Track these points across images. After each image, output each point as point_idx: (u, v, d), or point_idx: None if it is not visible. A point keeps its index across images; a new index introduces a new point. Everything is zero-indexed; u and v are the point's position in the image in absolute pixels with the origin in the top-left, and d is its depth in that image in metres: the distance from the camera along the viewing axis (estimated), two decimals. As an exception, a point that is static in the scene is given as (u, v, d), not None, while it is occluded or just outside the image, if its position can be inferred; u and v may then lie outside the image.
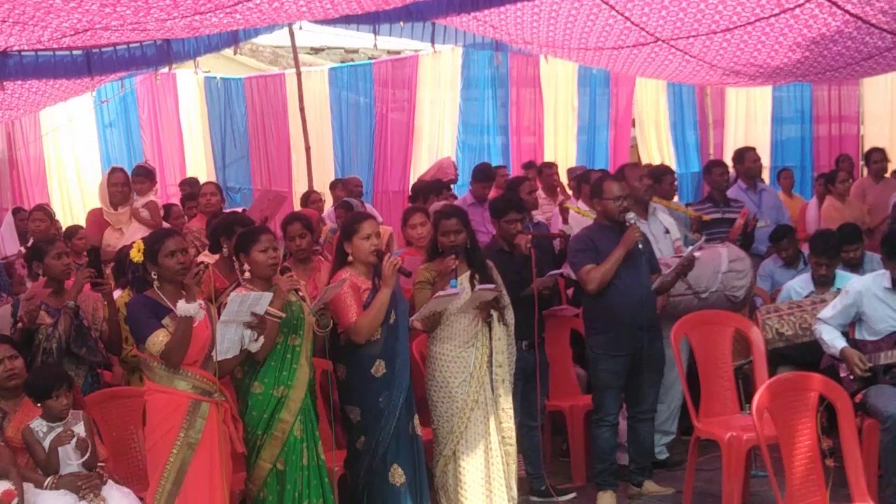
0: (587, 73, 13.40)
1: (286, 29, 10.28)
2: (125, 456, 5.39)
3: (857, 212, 9.33)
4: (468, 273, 5.57)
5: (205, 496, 4.61)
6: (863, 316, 5.69)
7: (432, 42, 9.02)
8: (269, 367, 4.93)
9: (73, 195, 12.84)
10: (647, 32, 7.45)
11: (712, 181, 8.15)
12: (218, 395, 4.70)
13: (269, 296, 4.74)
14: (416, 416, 5.42)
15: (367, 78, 13.56)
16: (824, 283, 6.66)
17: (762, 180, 9.40)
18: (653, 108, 14.10)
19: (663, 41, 7.69)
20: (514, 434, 5.65)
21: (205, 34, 7.92)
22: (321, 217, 9.33)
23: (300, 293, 5.12)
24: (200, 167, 13.95)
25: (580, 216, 7.57)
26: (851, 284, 5.85)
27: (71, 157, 12.90)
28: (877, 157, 10.21)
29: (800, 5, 6.51)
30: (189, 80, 13.73)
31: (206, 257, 6.29)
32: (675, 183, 8.35)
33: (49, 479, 4.57)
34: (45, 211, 8.68)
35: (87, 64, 8.15)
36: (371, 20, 8.04)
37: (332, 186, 11.17)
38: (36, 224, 8.32)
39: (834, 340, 5.70)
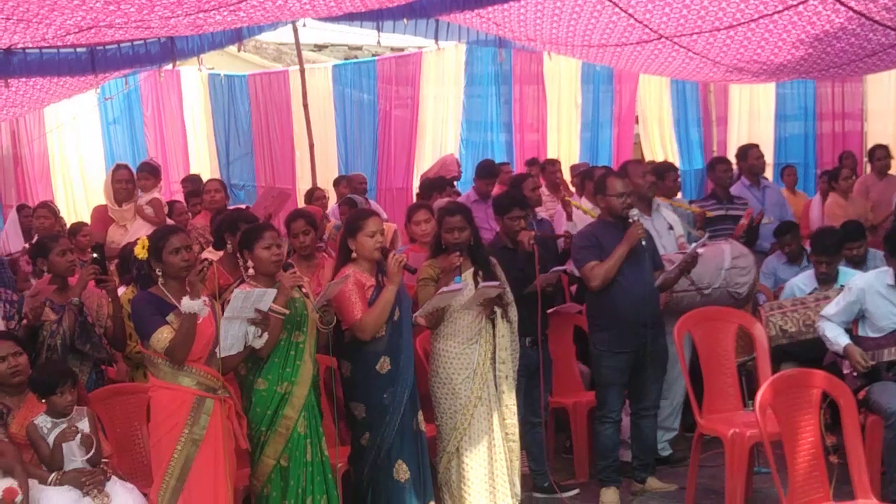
0: (590, 69, 13.39)
1: (290, 26, 10.30)
2: (129, 452, 5.40)
3: (861, 209, 9.32)
4: (471, 270, 5.58)
5: (209, 492, 4.62)
6: (866, 313, 5.69)
7: (436, 39, 9.04)
8: (273, 364, 4.94)
9: (77, 192, 12.84)
10: (651, 29, 7.45)
11: (716, 178, 8.14)
12: (222, 392, 4.71)
13: (272, 292, 4.75)
14: (420, 413, 5.43)
15: (370, 75, 13.56)
16: (827, 280, 6.66)
17: (765, 177, 9.40)
18: (656, 104, 14.09)
19: (667, 38, 7.69)
20: (517, 430, 5.66)
21: (209, 32, 7.93)
22: (325, 214, 9.34)
23: (303, 290, 5.13)
24: (204, 164, 13.94)
25: (583, 214, 7.58)
26: (854, 281, 5.85)
27: (75, 154, 12.90)
28: (880, 154, 10.20)
29: (803, 2, 6.51)
30: (193, 76, 13.73)
31: (210, 254, 6.31)
32: (679, 180, 8.35)
33: (53, 475, 4.58)
34: (49, 208, 8.69)
35: (92, 61, 8.17)
36: (375, 17, 8.05)
37: (336, 183, 11.18)
38: (40, 221, 8.34)
39: (837, 338, 5.70)
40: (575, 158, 13.14)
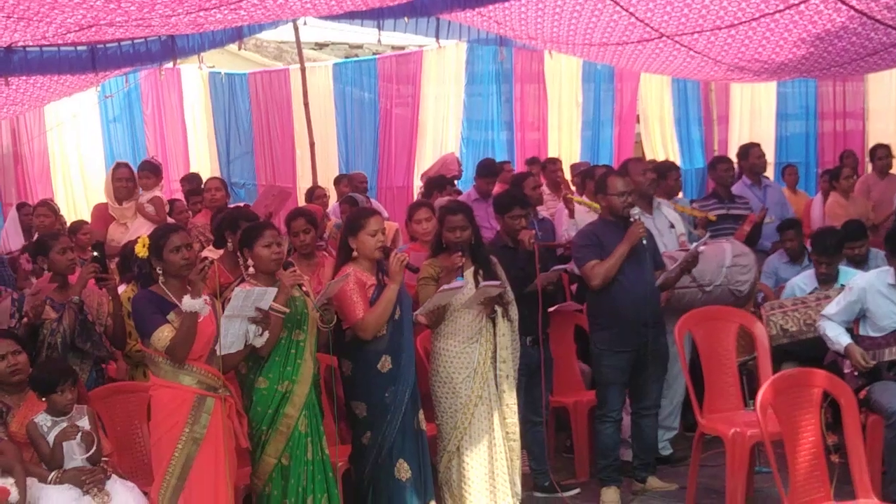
0: (591, 68, 13.38)
1: (290, 24, 10.30)
2: (129, 450, 5.39)
3: (862, 208, 9.31)
4: (472, 269, 5.57)
5: (209, 491, 4.62)
6: (867, 312, 5.69)
7: (437, 37, 9.04)
8: (274, 363, 4.94)
9: (77, 190, 12.84)
10: (652, 28, 7.45)
11: (717, 177, 8.13)
12: (223, 391, 4.70)
13: (273, 291, 4.74)
14: (421, 411, 5.43)
15: (371, 73, 13.55)
16: (827, 280, 6.65)
17: (767, 176, 9.39)
18: (657, 104, 14.08)
19: (668, 37, 7.69)
20: (517, 430, 5.66)
21: (209, 30, 7.93)
22: (325, 212, 9.33)
23: (304, 288, 5.13)
24: (204, 163, 13.94)
25: (586, 211, 7.57)
26: (855, 281, 5.85)
27: (75, 152, 12.90)
28: (881, 154, 10.19)
29: (804, 1, 6.50)
30: (193, 75, 13.72)
31: (211, 252, 6.30)
32: (680, 179, 8.34)
33: (53, 473, 4.58)
34: (49, 206, 8.69)
35: (92, 60, 8.17)
36: (375, 16, 8.05)
37: (337, 182, 11.18)
38: (40, 220, 8.34)
39: (838, 337, 5.70)
40: (576, 157, 13.14)
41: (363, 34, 11.05)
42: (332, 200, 10.67)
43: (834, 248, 6.67)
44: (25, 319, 5.37)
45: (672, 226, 6.86)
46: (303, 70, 12.26)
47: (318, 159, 12.25)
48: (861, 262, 6.92)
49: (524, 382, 5.97)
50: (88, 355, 5.51)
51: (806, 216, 9.74)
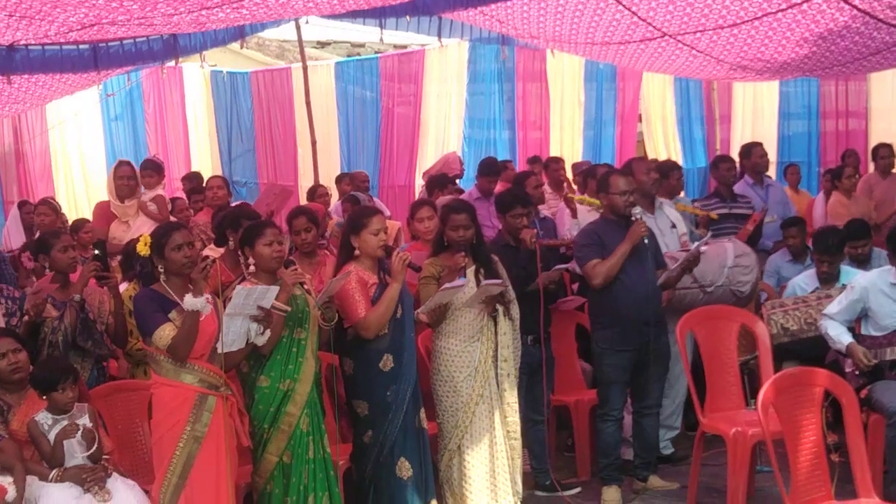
0: (594, 67, 13.38)
1: (292, 23, 10.31)
2: (130, 449, 5.40)
3: (864, 207, 9.30)
4: (474, 268, 5.57)
5: (210, 490, 4.62)
6: (869, 311, 5.69)
7: (439, 36, 9.04)
8: (275, 361, 4.94)
9: (78, 188, 12.85)
10: (654, 27, 7.45)
11: (719, 176, 8.13)
12: (224, 389, 4.70)
13: (275, 289, 4.74)
14: (423, 410, 5.43)
15: (373, 72, 13.55)
16: (828, 279, 6.65)
17: (769, 175, 9.38)
18: (659, 103, 14.08)
19: (670, 36, 7.68)
20: (518, 428, 5.66)
21: (211, 29, 7.93)
22: (327, 211, 9.33)
23: (305, 286, 5.13)
24: (206, 161, 13.95)
25: (588, 211, 7.56)
26: (857, 280, 5.85)
27: (76, 150, 12.91)
28: (884, 153, 10.17)
29: (807, 0, 6.50)
30: (195, 73, 13.73)
31: (212, 251, 6.30)
32: (682, 178, 8.33)
33: (54, 471, 4.59)
34: (50, 205, 8.69)
35: (94, 58, 8.18)
36: (377, 14, 8.05)
37: (339, 180, 11.18)
38: (41, 218, 8.35)
39: (840, 336, 5.70)
40: (578, 156, 13.13)
41: (365, 33, 11.08)
42: (334, 199, 10.67)
43: (835, 248, 6.67)
44: (27, 318, 5.37)
45: (674, 226, 6.85)
46: (305, 69, 12.26)
47: (320, 158, 12.25)
48: (864, 262, 6.91)
49: (525, 381, 5.97)
50: (89, 354, 5.51)
51: (808, 215, 9.73)
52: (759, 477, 6.01)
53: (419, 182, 12.12)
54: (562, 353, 6.65)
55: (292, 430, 4.92)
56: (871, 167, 10.71)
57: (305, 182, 12.58)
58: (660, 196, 7.01)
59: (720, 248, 6.70)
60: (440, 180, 9.29)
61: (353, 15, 7.92)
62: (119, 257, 6.62)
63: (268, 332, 4.78)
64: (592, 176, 8.05)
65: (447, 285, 5.30)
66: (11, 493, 4.45)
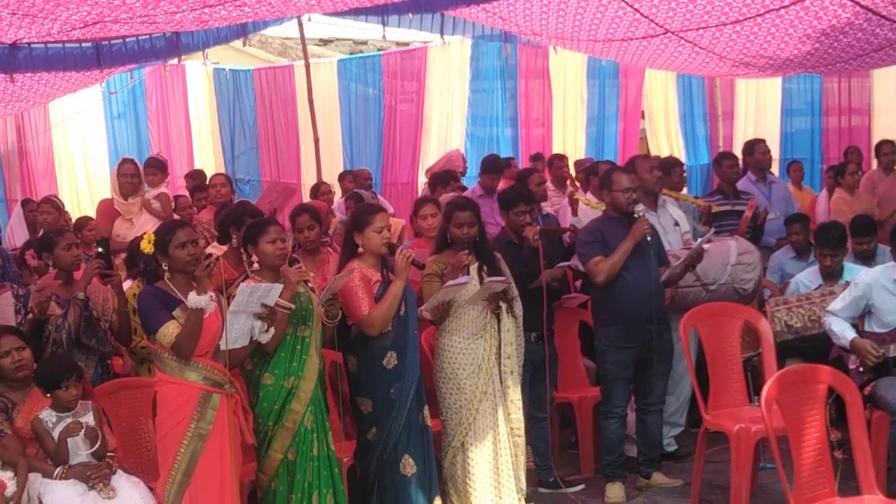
0: (596, 64, 13.37)
1: (295, 20, 10.30)
2: (135, 446, 5.41)
3: (867, 204, 9.29)
4: (477, 265, 5.57)
5: (215, 487, 4.62)
6: (872, 308, 5.69)
7: (441, 33, 9.02)
8: (280, 359, 4.94)
9: (81, 186, 12.88)
10: (657, 24, 7.44)
11: (722, 173, 8.13)
12: (229, 387, 4.71)
13: (279, 287, 4.74)
14: (426, 407, 5.43)
15: (375, 69, 13.56)
16: (832, 275, 6.64)
17: (772, 172, 9.38)
18: (662, 99, 14.07)
19: (673, 33, 7.68)
20: (522, 425, 5.66)
21: (214, 27, 7.93)
22: (330, 209, 9.34)
23: (309, 284, 5.13)
24: (208, 159, 13.97)
25: (589, 208, 7.56)
26: (861, 277, 5.84)
27: (79, 148, 12.93)
28: (887, 150, 10.16)
29: (810, -4, 6.50)
30: (198, 71, 13.74)
31: (215, 248, 6.31)
32: (685, 175, 8.33)
33: (59, 469, 4.60)
34: (52, 203, 8.71)
35: (97, 56, 8.18)
36: (380, 12, 8.04)
37: (341, 178, 11.18)
38: (44, 216, 8.36)
39: (844, 332, 5.69)
40: (580, 153, 13.12)
41: (368, 30, 11.07)
42: (337, 196, 10.67)
43: (837, 241, 6.66)
44: (30, 315, 5.37)
45: (676, 223, 6.84)
46: (307, 66, 12.26)
47: (323, 155, 12.25)
48: (869, 258, 6.90)
49: (529, 378, 5.97)
50: (93, 351, 5.51)
51: (811, 212, 9.73)
52: (762, 474, 6.01)
53: (422, 179, 12.13)
54: (565, 351, 6.65)
55: (296, 427, 4.93)
56: (874, 164, 10.70)
57: (308, 180, 12.59)
58: (662, 192, 7.01)
59: (723, 245, 6.69)
60: (443, 177, 9.29)
61: (356, 12, 7.92)
62: (123, 255, 6.61)
63: (272, 330, 4.78)
64: (595, 173, 8.04)
65: (450, 282, 5.30)
66: (11, 487, 4.46)
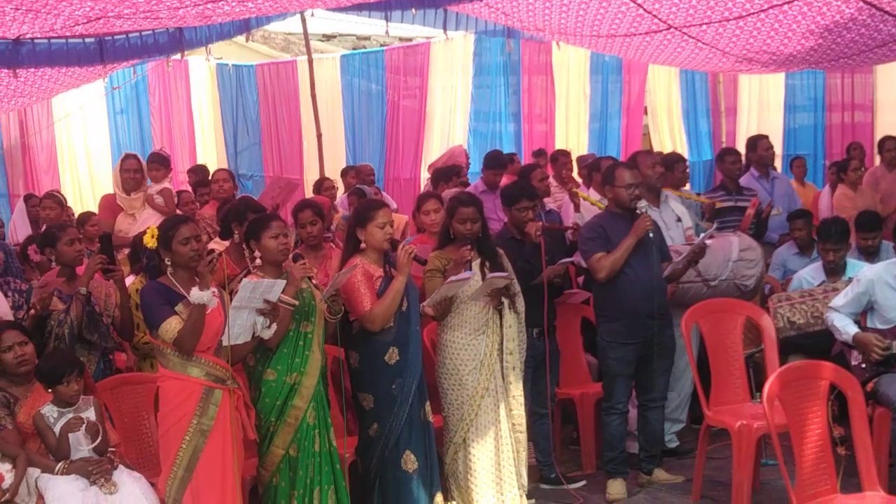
0: (599, 60, 13.36)
1: (298, 16, 10.29)
2: (136, 441, 5.42)
3: (870, 200, 9.29)
4: (479, 260, 5.57)
5: (217, 482, 4.63)
6: (875, 304, 5.67)
7: (444, 29, 9.01)
8: (282, 355, 4.94)
9: (84, 182, 12.89)
10: (660, 19, 7.43)
11: (725, 169, 8.13)
12: (231, 383, 4.71)
13: (281, 283, 4.74)
14: (428, 403, 5.44)
15: (378, 65, 13.55)
16: (835, 271, 6.64)
17: (775, 168, 9.38)
18: (665, 95, 14.06)
19: (676, 28, 7.67)
20: (524, 421, 5.67)
21: (217, 22, 7.93)
22: (333, 204, 9.34)
23: (312, 280, 5.13)
24: (211, 154, 13.97)
25: (591, 205, 7.56)
26: (863, 273, 5.83)
27: (82, 143, 12.94)
28: (890, 146, 10.16)
29: (813, -8, 6.50)
30: (201, 66, 13.74)
31: (217, 244, 6.31)
32: (688, 171, 8.33)
33: (60, 464, 4.60)
34: (55, 198, 8.71)
35: (100, 52, 8.17)
36: (383, 7, 8.04)
37: (344, 174, 11.17)
38: (47, 212, 8.36)
39: (846, 327, 5.68)
40: (583, 149, 13.12)
41: (371, 26, 11.03)
42: (340, 192, 10.67)
43: (839, 236, 6.66)
44: (33, 311, 5.38)
45: (679, 219, 6.84)
46: (310, 62, 12.25)
47: (326, 151, 12.24)
48: (873, 254, 6.90)
49: (530, 374, 5.97)
50: (96, 346, 5.51)
51: (814, 208, 9.73)
52: (764, 470, 6.01)
53: (424, 175, 12.13)
54: (567, 347, 6.65)
55: (298, 423, 4.93)
56: (877, 160, 10.70)
57: (311, 175, 12.58)
58: (665, 188, 7.00)
59: (725, 241, 6.69)
60: (446, 173, 9.28)
61: (359, 8, 7.92)
62: (126, 250, 6.62)
63: (274, 326, 4.79)
64: (597, 169, 8.05)
65: (453, 278, 5.30)
66: (9, 479, 4.47)
